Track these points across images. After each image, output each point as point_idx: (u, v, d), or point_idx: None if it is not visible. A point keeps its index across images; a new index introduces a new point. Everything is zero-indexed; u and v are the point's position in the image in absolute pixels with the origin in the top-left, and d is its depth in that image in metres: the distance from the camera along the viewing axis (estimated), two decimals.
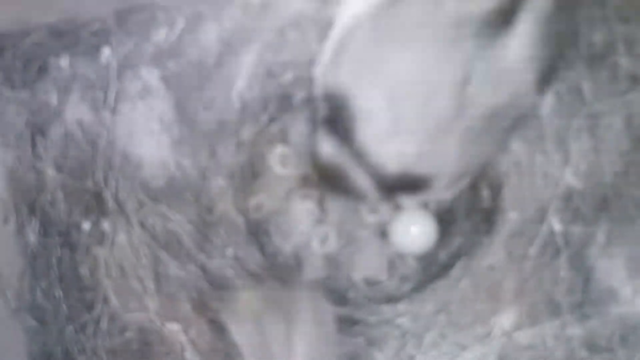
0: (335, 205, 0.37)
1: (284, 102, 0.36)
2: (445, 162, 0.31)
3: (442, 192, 0.33)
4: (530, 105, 0.31)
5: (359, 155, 0.32)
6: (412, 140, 0.31)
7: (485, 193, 0.36)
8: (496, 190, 0.35)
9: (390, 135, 0.31)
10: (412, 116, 0.30)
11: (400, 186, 0.33)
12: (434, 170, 0.32)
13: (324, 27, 0.34)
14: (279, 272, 0.36)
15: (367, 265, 0.38)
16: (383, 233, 0.37)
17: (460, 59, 0.29)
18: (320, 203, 0.37)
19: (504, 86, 0.30)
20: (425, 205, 0.36)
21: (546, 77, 0.31)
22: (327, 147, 0.33)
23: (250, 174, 0.37)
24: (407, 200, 0.34)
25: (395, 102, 0.30)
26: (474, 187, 0.35)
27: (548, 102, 0.34)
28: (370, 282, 0.38)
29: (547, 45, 0.29)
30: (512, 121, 0.31)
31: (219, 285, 0.35)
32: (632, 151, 0.34)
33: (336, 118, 0.32)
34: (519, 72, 0.29)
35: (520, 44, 0.29)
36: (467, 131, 0.30)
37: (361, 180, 0.32)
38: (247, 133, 0.36)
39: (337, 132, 0.32)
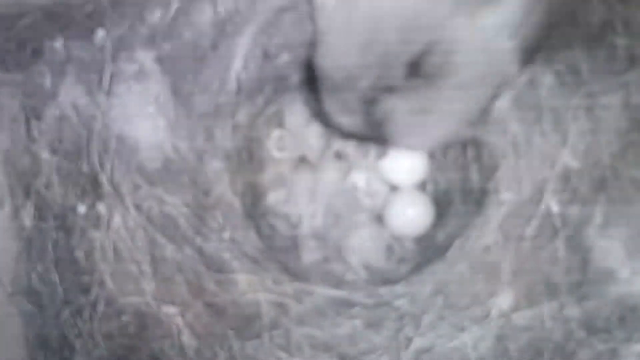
0: (330, 187, 0.37)
1: (280, 83, 0.36)
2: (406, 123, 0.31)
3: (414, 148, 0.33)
4: (511, 75, 0.31)
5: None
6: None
7: (478, 175, 0.35)
8: (490, 171, 0.35)
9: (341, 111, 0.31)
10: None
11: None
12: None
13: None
14: (276, 254, 0.36)
15: (364, 249, 0.38)
16: (379, 217, 0.37)
17: (438, 16, 0.28)
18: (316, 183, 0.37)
19: (483, 52, 0.29)
20: (422, 187, 0.36)
21: (529, 50, 0.30)
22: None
23: (247, 156, 0.36)
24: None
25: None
26: (467, 168, 0.35)
27: (546, 82, 0.34)
28: (368, 267, 0.38)
29: (532, 17, 0.29)
30: (492, 89, 0.31)
31: (216, 268, 0.35)
32: (630, 131, 0.34)
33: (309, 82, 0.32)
34: (500, 40, 0.29)
35: (505, 11, 0.28)
36: (436, 94, 0.30)
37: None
38: (243, 115, 0.36)
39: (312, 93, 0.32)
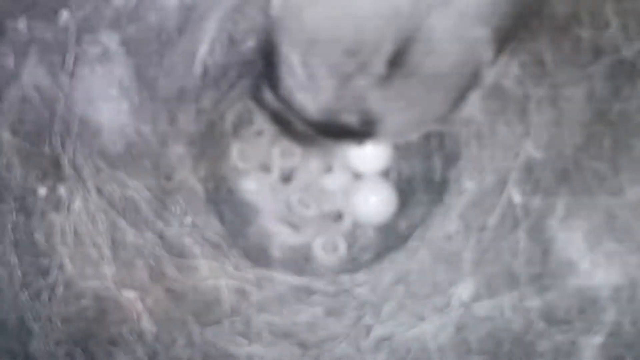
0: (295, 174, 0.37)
1: (245, 68, 0.36)
2: (385, 111, 0.31)
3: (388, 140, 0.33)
4: (485, 64, 0.31)
5: (286, 104, 0.32)
6: (328, 88, 0.30)
7: (441, 164, 0.35)
8: (453, 160, 0.35)
9: (305, 87, 0.31)
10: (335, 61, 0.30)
11: (335, 133, 0.32)
12: (369, 118, 0.31)
13: None
14: (237, 241, 0.36)
15: (326, 237, 0.38)
16: (342, 205, 0.37)
17: (420, 8, 0.28)
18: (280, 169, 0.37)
19: (459, 41, 0.29)
20: (385, 175, 0.36)
21: (501, 39, 0.30)
22: (266, 95, 0.33)
23: (210, 142, 0.36)
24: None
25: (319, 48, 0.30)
26: (430, 157, 0.35)
27: (511, 73, 0.34)
28: (329, 255, 0.38)
29: (503, 7, 0.29)
30: (467, 79, 0.31)
31: (177, 254, 0.35)
32: (593, 123, 0.34)
33: (268, 68, 0.32)
34: (476, 27, 0.29)
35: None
36: (411, 83, 0.30)
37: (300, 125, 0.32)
38: (207, 100, 0.36)
39: (270, 81, 0.32)
